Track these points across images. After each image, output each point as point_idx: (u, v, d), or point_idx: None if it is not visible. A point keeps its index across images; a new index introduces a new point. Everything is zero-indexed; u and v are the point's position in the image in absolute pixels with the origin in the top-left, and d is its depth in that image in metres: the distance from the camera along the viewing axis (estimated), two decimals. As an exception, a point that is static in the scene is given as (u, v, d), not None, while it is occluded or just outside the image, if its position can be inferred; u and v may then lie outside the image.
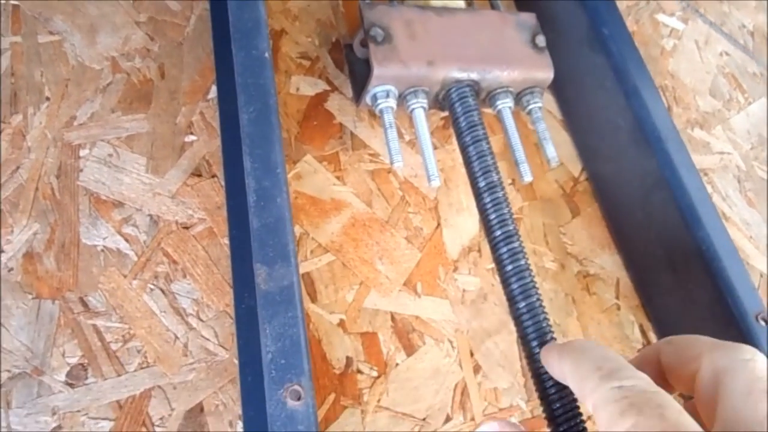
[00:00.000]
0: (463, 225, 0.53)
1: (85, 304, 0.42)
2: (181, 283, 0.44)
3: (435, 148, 0.55)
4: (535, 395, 0.41)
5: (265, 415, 0.32)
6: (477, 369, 0.47)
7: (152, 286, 0.43)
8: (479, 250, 0.52)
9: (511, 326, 0.47)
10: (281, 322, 0.34)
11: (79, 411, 0.38)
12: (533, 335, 0.41)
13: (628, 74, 0.55)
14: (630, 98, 0.54)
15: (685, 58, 0.73)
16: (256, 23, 0.43)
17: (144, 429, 0.39)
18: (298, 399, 0.32)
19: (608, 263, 0.56)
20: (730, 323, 0.46)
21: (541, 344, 0.41)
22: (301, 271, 0.46)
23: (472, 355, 0.47)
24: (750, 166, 0.68)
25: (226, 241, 0.46)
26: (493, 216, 0.45)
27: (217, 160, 0.48)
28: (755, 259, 0.62)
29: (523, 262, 0.43)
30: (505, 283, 0.43)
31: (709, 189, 0.64)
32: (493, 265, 0.50)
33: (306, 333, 0.35)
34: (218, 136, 0.49)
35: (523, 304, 0.42)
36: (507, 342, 0.48)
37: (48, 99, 0.47)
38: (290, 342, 0.34)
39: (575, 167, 0.60)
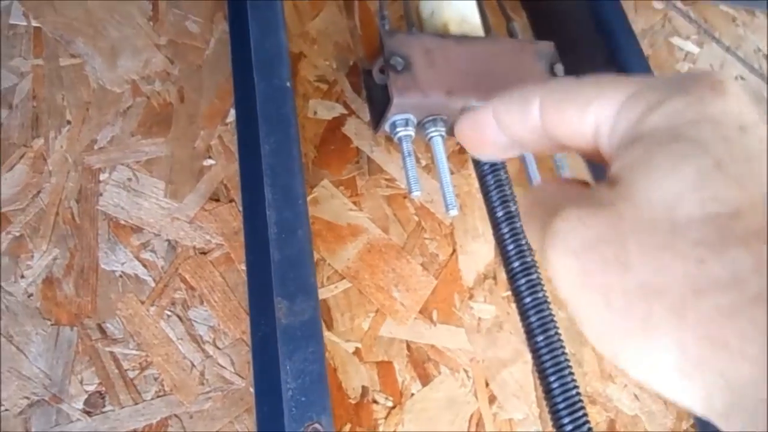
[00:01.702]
0: (479, 251, 0.53)
1: (103, 330, 0.42)
2: (198, 310, 0.44)
3: (451, 173, 0.55)
4: (550, 426, 0.41)
5: (284, 451, 0.32)
6: (492, 399, 0.46)
7: (169, 313, 0.43)
8: (495, 278, 0.52)
9: (527, 356, 0.47)
10: (302, 357, 0.34)
11: (96, 440, 0.38)
12: (551, 369, 0.41)
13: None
14: (647, 126, 0.54)
15: (700, 82, 0.73)
16: (279, 52, 0.43)
17: (160, 458, 0.39)
18: (319, 437, 0.32)
19: (623, 291, 0.55)
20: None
21: (559, 378, 0.41)
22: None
23: (487, 385, 0.47)
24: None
25: (243, 267, 0.46)
26: (511, 247, 0.44)
27: (235, 184, 0.49)
28: None
29: (541, 294, 0.43)
30: (523, 315, 0.43)
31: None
32: (508, 293, 0.50)
33: (326, 368, 0.35)
34: (236, 161, 0.49)
35: (541, 337, 0.42)
36: (522, 372, 0.48)
37: (69, 122, 0.48)
38: (311, 379, 0.34)
39: (591, 193, 0.60)
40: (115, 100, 0.50)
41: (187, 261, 0.45)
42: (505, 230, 0.45)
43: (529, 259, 0.44)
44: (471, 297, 0.50)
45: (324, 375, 0.34)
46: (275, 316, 0.35)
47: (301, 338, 0.35)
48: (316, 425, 0.32)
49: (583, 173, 0.60)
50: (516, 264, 0.44)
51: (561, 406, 0.40)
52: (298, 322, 0.35)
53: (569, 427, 0.40)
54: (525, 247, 0.44)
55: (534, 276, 0.43)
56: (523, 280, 0.43)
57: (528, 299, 0.43)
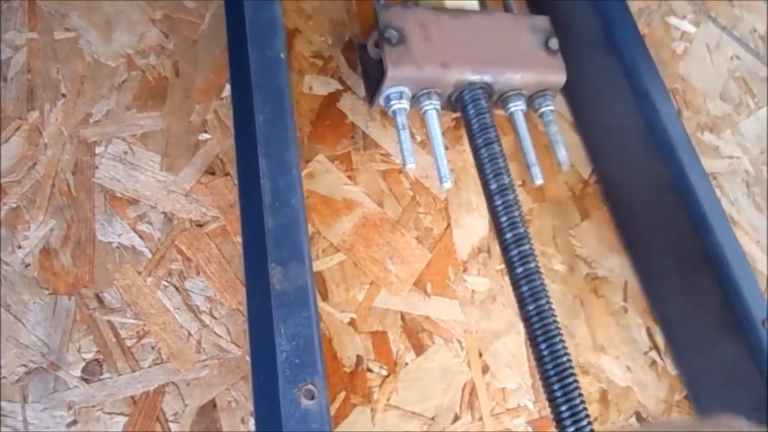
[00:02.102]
0: (473, 226, 0.53)
1: (100, 300, 0.42)
2: (195, 281, 0.44)
3: (446, 149, 0.55)
4: (543, 396, 0.41)
5: (278, 413, 0.33)
6: (485, 369, 0.47)
7: (166, 283, 0.44)
8: (489, 251, 0.52)
9: (520, 327, 0.48)
10: (295, 322, 0.35)
11: (94, 406, 0.39)
12: (542, 337, 0.42)
13: (639, 77, 0.55)
14: (641, 101, 0.54)
15: (696, 61, 0.73)
16: (273, 24, 0.43)
17: (158, 424, 0.39)
18: (312, 398, 0.32)
19: (616, 266, 0.56)
20: (737, 328, 0.47)
21: (549, 346, 0.41)
22: (313, 269, 0.47)
23: (480, 355, 0.48)
24: (759, 170, 0.68)
25: (239, 239, 0.46)
26: (504, 218, 0.45)
27: (231, 158, 0.49)
28: (763, 264, 0.62)
29: (533, 264, 0.44)
30: (516, 285, 0.43)
31: (718, 193, 0.64)
32: (502, 266, 0.50)
33: (320, 333, 0.36)
34: (232, 135, 0.49)
35: (532, 306, 0.42)
36: (515, 343, 0.49)
37: (64, 96, 0.48)
38: (304, 342, 0.34)
39: (585, 170, 0.60)
40: (110, 73, 0.50)
41: (184, 233, 0.46)
42: (498, 202, 0.45)
43: (521, 230, 0.45)
44: (465, 270, 0.51)
45: (317, 339, 0.35)
46: (269, 282, 0.35)
47: (295, 303, 0.35)
48: (310, 386, 0.32)
49: (577, 148, 0.61)
50: (509, 235, 0.44)
51: (551, 372, 0.41)
52: (292, 287, 0.35)
53: (559, 393, 0.40)
54: (517, 219, 0.45)
55: (526, 247, 0.44)
56: (515, 251, 0.44)
57: (520, 269, 0.43)
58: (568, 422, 0.39)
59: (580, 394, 0.40)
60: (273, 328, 0.34)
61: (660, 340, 0.53)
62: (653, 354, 0.53)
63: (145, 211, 0.46)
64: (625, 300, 0.55)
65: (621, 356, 0.51)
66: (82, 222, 0.44)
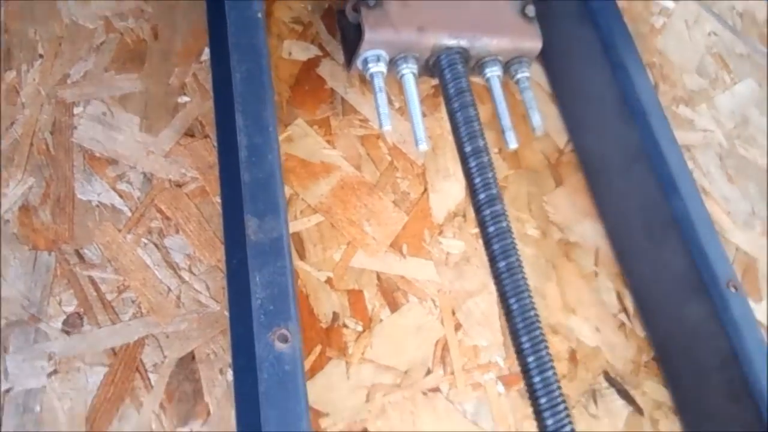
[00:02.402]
0: (450, 191, 0.54)
1: (80, 256, 0.43)
2: (174, 239, 0.45)
3: (424, 115, 0.56)
4: (513, 353, 0.43)
5: (253, 357, 0.34)
6: (458, 327, 0.49)
7: (146, 241, 0.45)
8: (464, 216, 0.53)
9: (492, 288, 0.49)
10: (270, 271, 0.36)
11: (75, 357, 0.40)
12: (511, 293, 0.43)
13: (615, 49, 0.56)
14: (616, 72, 0.55)
15: (673, 36, 0.74)
16: (250, -16, 0.43)
17: (138, 375, 0.40)
18: (286, 341, 0.33)
19: (589, 232, 0.57)
20: (703, 290, 0.49)
21: (518, 300, 0.43)
22: (291, 230, 0.48)
23: (453, 313, 0.49)
24: (732, 144, 0.70)
25: (217, 199, 0.47)
26: (477, 180, 0.46)
27: (210, 121, 0.49)
28: (731, 233, 0.64)
29: (504, 224, 0.45)
30: (487, 243, 0.45)
31: (691, 165, 0.66)
32: (477, 230, 0.51)
33: (294, 283, 0.37)
34: (211, 98, 0.50)
35: (503, 263, 0.44)
36: (488, 302, 0.50)
37: (41, 56, 0.48)
38: (279, 290, 0.35)
39: (561, 138, 0.61)
40: (88, 35, 0.50)
41: (163, 192, 0.46)
42: (473, 164, 0.47)
43: (494, 191, 0.46)
44: (440, 233, 0.52)
45: (291, 288, 0.36)
46: (245, 233, 0.36)
47: (270, 254, 0.36)
48: (283, 330, 0.34)
49: (554, 118, 0.62)
50: (482, 196, 0.46)
51: (520, 326, 0.42)
52: (267, 239, 0.36)
53: (527, 345, 0.42)
54: (491, 180, 0.46)
55: (498, 207, 0.45)
56: (488, 211, 0.45)
57: (492, 228, 0.45)
58: (534, 372, 0.41)
59: (547, 347, 0.42)
60: (249, 277, 0.35)
61: (629, 303, 0.55)
62: (622, 316, 0.54)
63: (124, 171, 0.46)
64: (596, 264, 0.56)
65: (590, 318, 0.53)
66: (61, 180, 0.45)
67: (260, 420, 0.32)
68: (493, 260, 0.44)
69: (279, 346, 0.33)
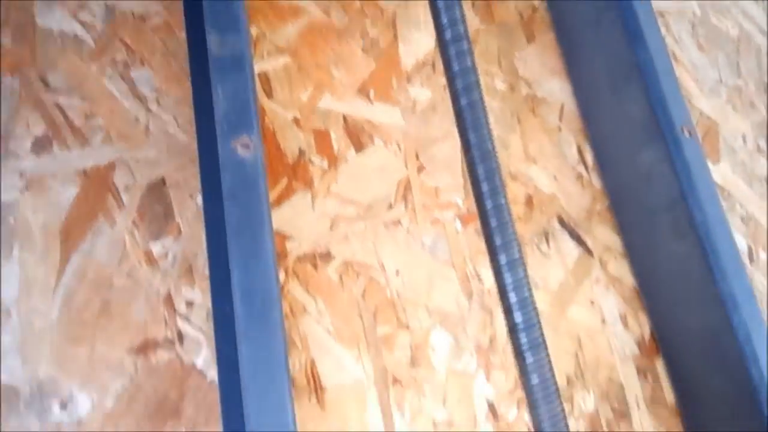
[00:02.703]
0: (420, 41, 0.54)
1: (45, 82, 0.43)
2: (140, 71, 0.45)
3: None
4: (472, 194, 0.45)
5: (216, 165, 0.35)
6: (421, 168, 0.51)
7: (111, 72, 0.45)
8: (433, 66, 0.54)
9: (457, 137, 0.51)
10: (232, 85, 0.36)
11: (46, 175, 0.41)
12: (474, 141, 0.45)
13: None
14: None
15: None
16: None
17: (110, 195, 0.42)
18: (248, 148, 0.35)
19: (556, 89, 0.58)
20: (658, 135, 0.50)
21: (481, 148, 0.44)
22: (257, 69, 0.48)
23: (417, 157, 0.51)
24: (706, 13, 0.70)
25: (183, 35, 0.46)
26: (448, 35, 0.46)
27: (172, -46, 0.48)
28: (697, 99, 0.65)
29: (473, 78, 0.46)
30: (454, 98, 0.46)
31: (663, 31, 0.66)
32: (445, 81, 0.52)
33: (256, 98, 0.38)
34: (172, -70, 0.48)
35: (469, 117, 0.45)
36: (452, 148, 0.52)
37: None
38: (241, 103, 0.36)
39: (535, -4, 0.60)
40: None
41: (126, 24, 0.46)
42: (444, 20, 0.46)
43: (465, 47, 0.46)
44: (408, 81, 0.53)
45: (252, 102, 0.37)
46: (208, 48, 0.37)
47: (231, 69, 0.37)
48: (245, 139, 0.35)
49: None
50: (452, 50, 0.46)
51: (480, 172, 0.44)
52: (229, 54, 0.37)
53: (486, 187, 0.44)
54: (462, 34, 0.46)
55: (468, 62, 0.45)
56: (456, 66, 0.45)
57: (456, 67, 0.45)
58: (491, 214, 0.43)
59: (504, 195, 0.44)
60: (211, 90, 0.36)
61: (589, 157, 0.58)
62: (580, 168, 0.57)
63: (85, 1, 0.45)
64: (560, 120, 0.58)
65: (549, 168, 0.55)
66: (21, 8, 0.44)
67: (224, 215, 0.34)
68: (459, 115, 0.45)
69: (242, 151, 0.35)
